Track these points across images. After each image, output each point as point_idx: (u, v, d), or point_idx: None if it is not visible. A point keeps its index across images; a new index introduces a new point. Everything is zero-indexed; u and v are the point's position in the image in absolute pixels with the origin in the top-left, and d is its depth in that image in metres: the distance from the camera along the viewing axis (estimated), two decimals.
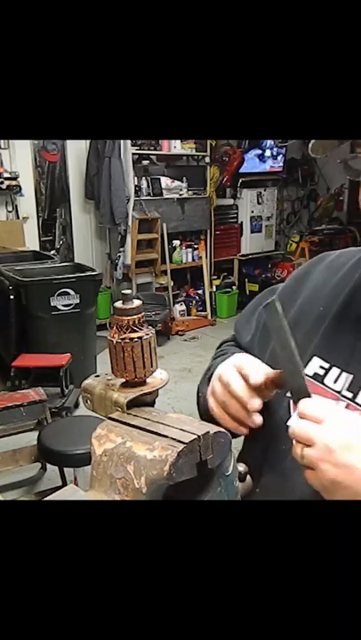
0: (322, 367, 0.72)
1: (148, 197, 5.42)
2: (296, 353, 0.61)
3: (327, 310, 0.75)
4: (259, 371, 0.69)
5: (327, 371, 0.71)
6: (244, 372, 0.70)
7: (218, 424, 0.67)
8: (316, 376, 0.72)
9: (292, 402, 0.70)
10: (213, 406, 0.73)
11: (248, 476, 0.68)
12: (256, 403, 0.68)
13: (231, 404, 0.70)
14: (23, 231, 4.79)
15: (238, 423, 0.70)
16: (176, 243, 5.75)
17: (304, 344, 0.71)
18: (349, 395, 0.69)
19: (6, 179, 4.59)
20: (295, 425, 0.59)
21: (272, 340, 0.68)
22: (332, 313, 0.74)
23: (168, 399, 3.68)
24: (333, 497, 0.56)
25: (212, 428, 0.56)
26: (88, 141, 5.18)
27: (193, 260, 5.94)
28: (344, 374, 0.70)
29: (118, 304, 0.61)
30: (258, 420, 0.69)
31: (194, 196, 5.85)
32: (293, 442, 0.59)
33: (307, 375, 0.71)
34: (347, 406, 0.68)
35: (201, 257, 5.94)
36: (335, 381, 0.70)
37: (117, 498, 0.53)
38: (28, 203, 4.95)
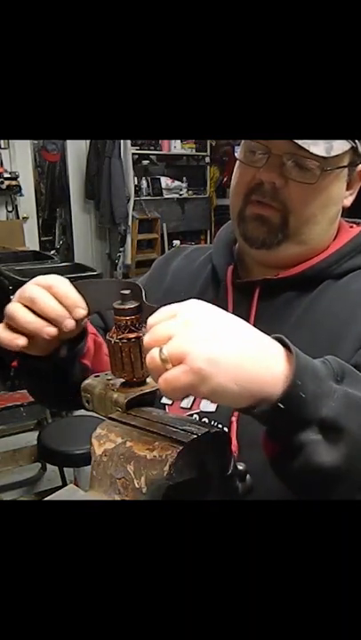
0: None
1: (148, 197, 5.41)
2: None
3: (188, 296, 0.78)
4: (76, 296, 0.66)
5: None
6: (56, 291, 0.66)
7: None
8: None
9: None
10: (12, 305, 0.66)
11: (248, 476, 0.68)
12: (81, 311, 0.65)
13: (48, 300, 0.65)
14: (23, 231, 4.78)
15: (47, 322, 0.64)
16: (176, 243, 5.74)
17: None
18: None
19: (6, 179, 4.58)
20: (149, 335, 0.51)
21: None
22: (192, 298, 0.79)
23: None
24: (207, 385, 0.48)
25: (212, 428, 0.56)
26: (88, 141, 5.17)
27: None
28: None
29: (117, 304, 0.61)
30: (71, 323, 0.65)
31: (194, 195, 5.84)
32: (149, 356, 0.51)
33: None
34: None
35: None
36: None
37: (117, 498, 0.53)
38: (27, 203, 4.94)
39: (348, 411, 0.50)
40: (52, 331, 0.65)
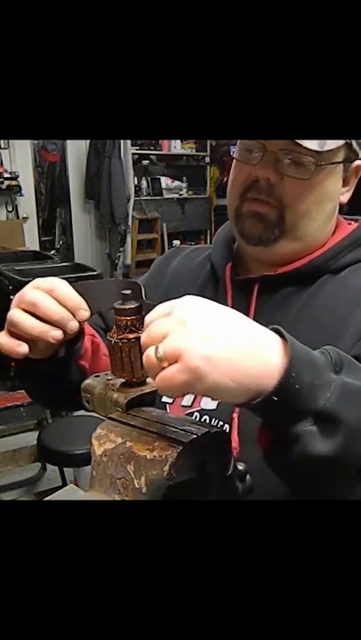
0: None
1: (148, 197, 5.42)
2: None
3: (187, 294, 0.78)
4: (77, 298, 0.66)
5: None
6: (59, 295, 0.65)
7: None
8: None
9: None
10: (13, 311, 0.65)
11: (248, 476, 0.68)
12: (85, 312, 0.65)
13: (51, 303, 0.64)
14: (23, 231, 4.78)
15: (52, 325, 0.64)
16: (176, 243, 5.74)
17: None
18: None
19: (6, 179, 4.58)
20: (145, 333, 0.51)
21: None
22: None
23: None
24: (204, 383, 0.47)
25: (212, 428, 0.56)
26: (88, 141, 5.17)
27: None
28: None
29: (117, 304, 0.61)
30: (75, 325, 0.64)
31: (194, 195, 5.85)
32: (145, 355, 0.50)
33: None
34: None
35: None
36: None
37: (117, 498, 0.53)
38: (27, 203, 4.94)
39: (345, 401, 0.50)
40: (57, 334, 0.64)
